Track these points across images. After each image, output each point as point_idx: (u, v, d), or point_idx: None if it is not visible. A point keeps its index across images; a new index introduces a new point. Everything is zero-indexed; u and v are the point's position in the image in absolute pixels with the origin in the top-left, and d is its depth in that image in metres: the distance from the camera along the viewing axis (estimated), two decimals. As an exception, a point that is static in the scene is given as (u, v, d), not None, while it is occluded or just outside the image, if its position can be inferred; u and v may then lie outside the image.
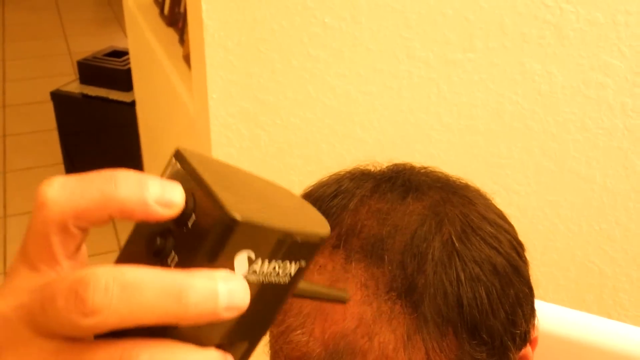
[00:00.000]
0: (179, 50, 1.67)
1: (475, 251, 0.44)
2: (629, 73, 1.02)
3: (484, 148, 1.11)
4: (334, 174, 0.51)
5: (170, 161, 0.27)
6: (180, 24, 1.74)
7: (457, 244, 0.43)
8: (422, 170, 0.50)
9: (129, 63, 2.42)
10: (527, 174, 1.12)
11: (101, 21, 4.38)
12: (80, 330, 0.23)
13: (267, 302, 0.28)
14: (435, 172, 0.50)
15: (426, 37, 1.05)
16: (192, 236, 0.25)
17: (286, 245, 0.27)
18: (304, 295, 0.33)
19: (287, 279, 0.28)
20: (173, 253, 0.26)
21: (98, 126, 2.56)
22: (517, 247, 0.47)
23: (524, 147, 1.10)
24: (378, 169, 0.51)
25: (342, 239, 0.44)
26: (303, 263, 0.29)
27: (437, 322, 0.42)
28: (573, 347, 0.75)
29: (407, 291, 0.42)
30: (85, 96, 2.51)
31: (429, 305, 0.42)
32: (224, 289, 0.24)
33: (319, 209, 0.46)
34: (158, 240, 0.26)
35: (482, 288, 0.43)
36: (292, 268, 0.28)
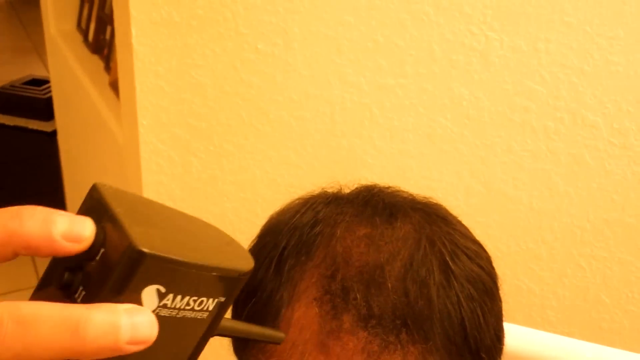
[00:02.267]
0: (104, 78, 1.63)
1: (467, 270, 0.43)
2: (550, 98, 1.07)
3: (416, 171, 1.13)
4: (298, 200, 0.48)
5: (86, 196, 0.27)
6: (105, 51, 1.71)
7: (451, 265, 0.43)
8: (390, 191, 0.49)
9: (49, 92, 2.35)
10: (457, 196, 1.15)
11: (18, 50, 4.23)
12: None
13: (185, 337, 0.28)
14: (401, 192, 0.49)
15: (358, 62, 1.07)
16: (100, 270, 0.25)
17: (199, 280, 0.27)
18: (234, 335, 0.32)
19: (204, 315, 0.28)
20: (81, 288, 0.25)
21: (16, 157, 2.46)
22: (491, 262, 0.47)
23: (454, 170, 1.13)
24: (347, 191, 0.49)
25: (335, 268, 0.42)
26: (222, 299, 0.28)
27: (445, 347, 0.41)
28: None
29: (412, 317, 0.40)
30: (2, 126, 2.41)
31: (437, 330, 0.41)
32: (127, 322, 0.23)
33: (300, 239, 0.44)
34: (66, 275, 0.26)
35: (478, 307, 0.43)
36: (209, 303, 0.28)
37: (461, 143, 1.10)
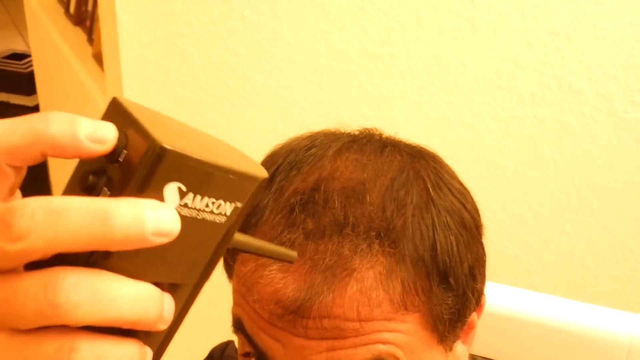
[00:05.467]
0: (87, 50, 1.61)
1: (447, 202, 0.46)
2: (536, 64, 1.07)
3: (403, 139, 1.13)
4: (299, 134, 0.51)
5: (107, 108, 0.28)
6: (87, 23, 1.69)
7: (432, 193, 0.45)
8: (389, 134, 0.52)
9: (30, 66, 2.32)
10: (444, 164, 1.15)
11: (-4, 25, 4.16)
12: (9, 257, 0.23)
13: (204, 241, 0.29)
14: (400, 138, 0.52)
15: (345, 30, 1.07)
16: (123, 171, 0.26)
17: (217, 181, 0.27)
18: (250, 251, 0.33)
19: (222, 219, 0.28)
20: (105, 189, 0.26)
21: (-2, 133, 2.43)
22: (477, 208, 0.49)
23: (442, 138, 1.13)
24: (348, 131, 0.52)
25: (320, 181, 0.45)
26: (239, 204, 0.29)
27: (413, 261, 0.43)
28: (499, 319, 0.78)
29: (385, 231, 0.43)
30: (-17, 101, 2.38)
31: (407, 244, 0.43)
32: (151, 214, 0.24)
33: (294, 158, 0.47)
34: (90, 178, 0.26)
35: (453, 236, 0.45)
36: (227, 207, 0.28)
37: (448, 110, 1.11)
